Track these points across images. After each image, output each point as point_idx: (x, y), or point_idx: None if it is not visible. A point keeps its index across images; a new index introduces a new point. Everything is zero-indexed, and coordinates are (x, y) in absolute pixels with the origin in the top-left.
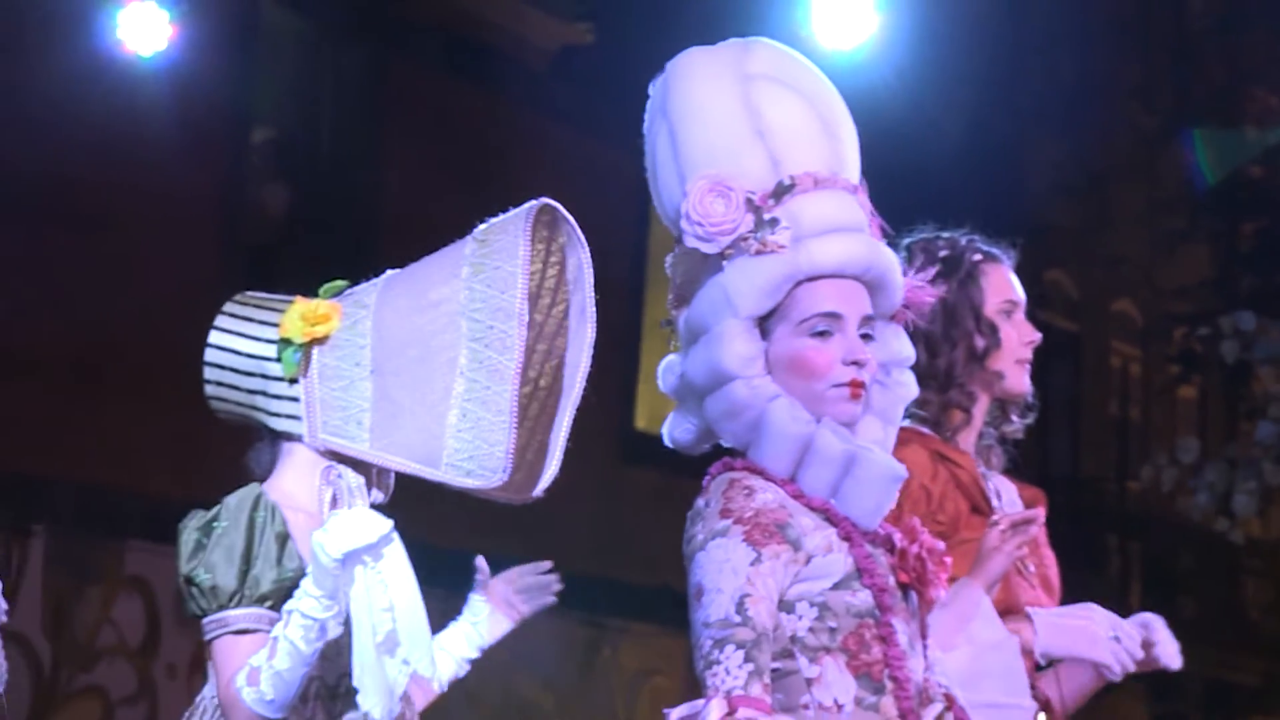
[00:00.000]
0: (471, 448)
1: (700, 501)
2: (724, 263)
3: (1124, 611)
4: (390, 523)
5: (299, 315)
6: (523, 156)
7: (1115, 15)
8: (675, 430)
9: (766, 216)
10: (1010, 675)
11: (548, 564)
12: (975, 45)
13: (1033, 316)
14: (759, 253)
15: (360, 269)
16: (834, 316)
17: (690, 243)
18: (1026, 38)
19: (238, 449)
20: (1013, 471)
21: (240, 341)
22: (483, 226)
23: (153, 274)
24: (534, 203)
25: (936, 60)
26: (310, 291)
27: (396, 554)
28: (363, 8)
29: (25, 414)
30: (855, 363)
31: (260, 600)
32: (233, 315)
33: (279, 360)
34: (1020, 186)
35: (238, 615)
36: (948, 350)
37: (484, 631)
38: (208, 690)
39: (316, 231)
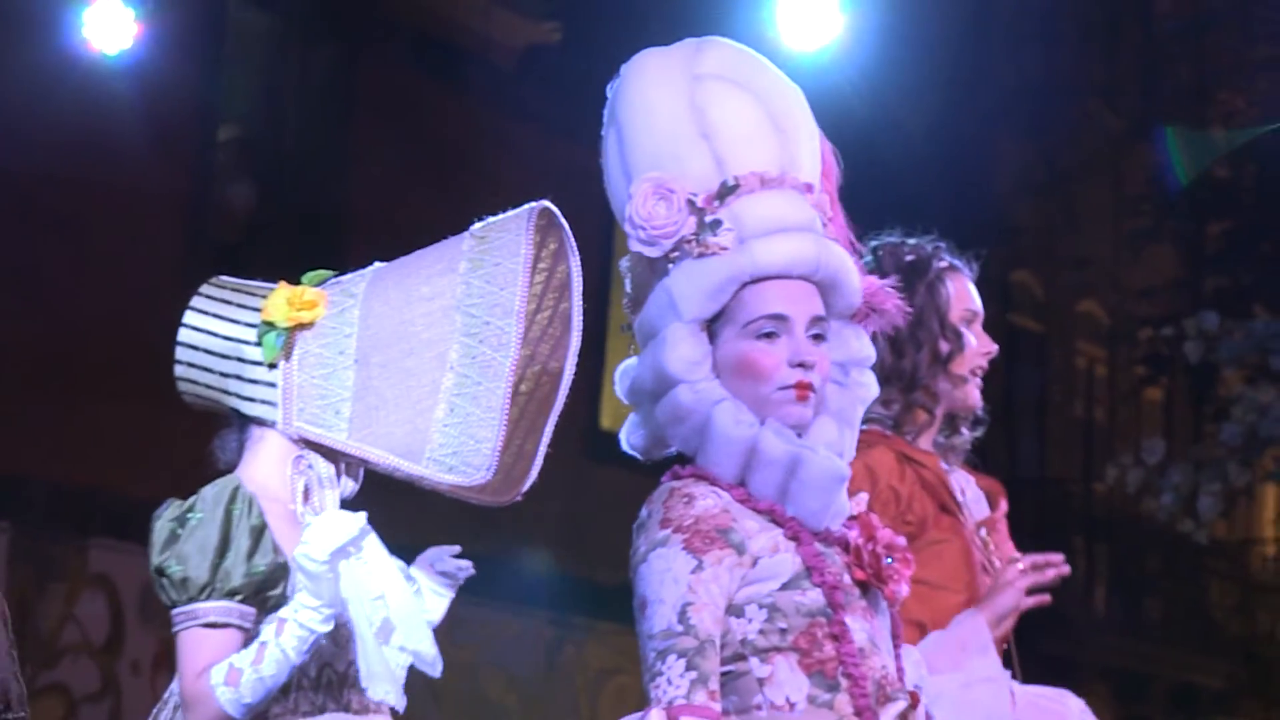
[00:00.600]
0: (457, 443)
1: (644, 512)
2: (670, 266)
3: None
4: (364, 515)
5: (284, 300)
6: (489, 155)
7: (1082, 16)
8: (631, 435)
9: (709, 218)
10: (996, 709)
11: (457, 548)
12: (941, 46)
13: (999, 317)
14: (701, 255)
15: (327, 266)
16: (780, 318)
17: (634, 247)
18: (992, 39)
19: (204, 447)
20: (976, 470)
21: (217, 323)
22: (480, 224)
23: (119, 272)
24: (534, 204)
25: (901, 61)
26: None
27: (376, 545)
28: (330, 6)
29: None
30: (802, 364)
31: (231, 594)
32: (209, 297)
33: (259, 344)
34: (986, 187)
35: (207, 608)
36: (912, 351)
37: (433, 615)
38: (177, 685)
39: (283, 229)
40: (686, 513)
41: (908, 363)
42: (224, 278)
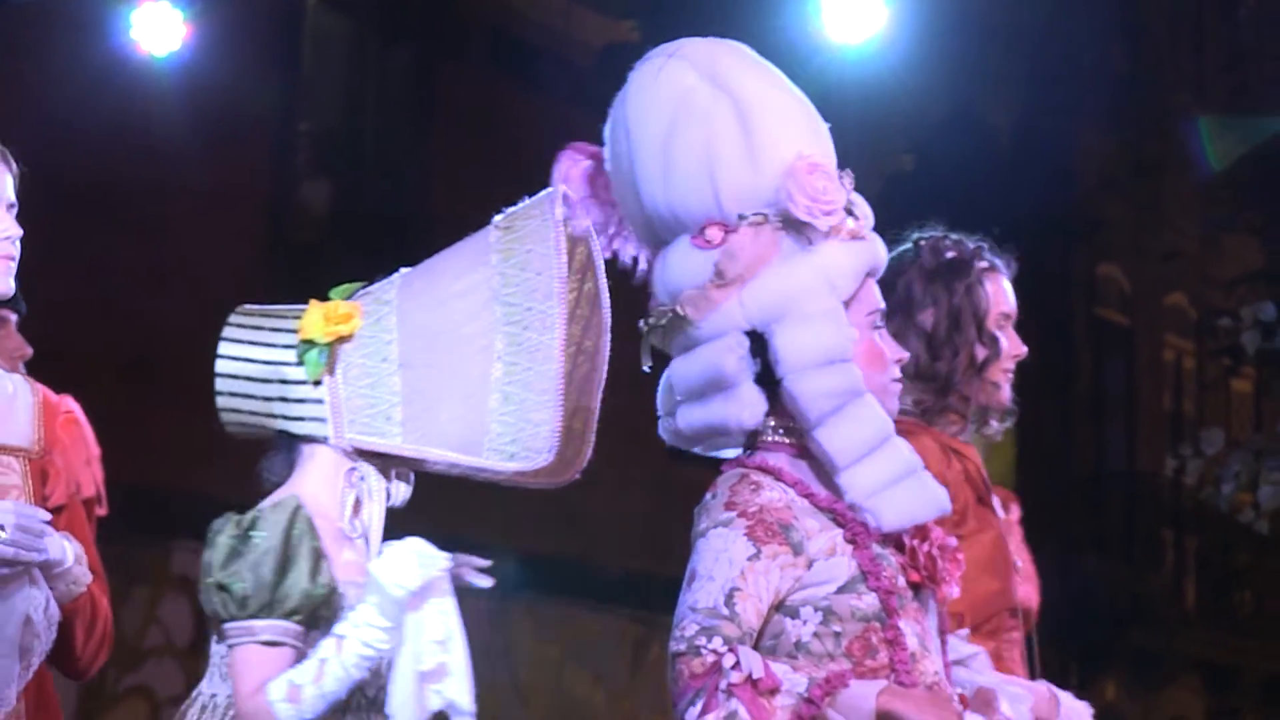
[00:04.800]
0: (515, 430)
1: (708, 495)
2: (808, 245)
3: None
4: (448, 555)
5: (321, 316)
6: None
7: (1167, 7)
8: (742, 413)
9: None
10: None
11: (487, 562)
12: (1023, 39)
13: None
14: (854, 238)
15: (408, 265)
16: (882, 313)
17: (804, 216)
18: (1076, 32)
19: None
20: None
21: (253, 349)
22: (502, 215)
23: (196, 273)
24: (551, 189)
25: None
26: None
27: (449, 587)
28: (408, 7)
29: None
30: (897, 359)
31: (289, 614)
32: (240, 326)
33: (300, 363)
34: (1071, 181)
35: (264, 626)
36: (949, 355)
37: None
38: (206, 685)
39: (362, 230)
40: (752, 499)
41: (943, 365)
42: (248, 306)
